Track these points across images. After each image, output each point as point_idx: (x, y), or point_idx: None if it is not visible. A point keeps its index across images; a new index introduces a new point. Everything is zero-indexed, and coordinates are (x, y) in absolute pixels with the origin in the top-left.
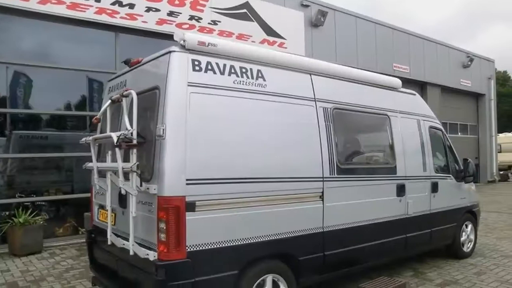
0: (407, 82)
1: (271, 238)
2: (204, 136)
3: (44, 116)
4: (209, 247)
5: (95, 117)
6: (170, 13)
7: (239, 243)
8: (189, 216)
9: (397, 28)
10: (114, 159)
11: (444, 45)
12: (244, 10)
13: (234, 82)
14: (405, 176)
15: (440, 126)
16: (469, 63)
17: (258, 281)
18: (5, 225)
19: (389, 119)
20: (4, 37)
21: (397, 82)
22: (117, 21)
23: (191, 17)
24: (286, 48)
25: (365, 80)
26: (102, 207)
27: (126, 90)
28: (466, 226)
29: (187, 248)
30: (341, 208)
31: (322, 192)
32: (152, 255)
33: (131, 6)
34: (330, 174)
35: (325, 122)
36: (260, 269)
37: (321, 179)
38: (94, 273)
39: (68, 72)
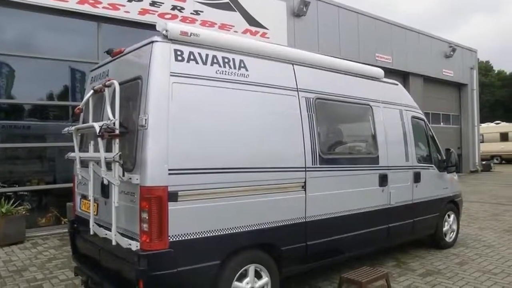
0: (390, 72)
1: (253, 228)
2: (186, 126)
3: (26, 106)
4: (192, 237)
5: (78, 107)
6: (153, 3)
7: (222, 233)
8: (172, 206)
9: (379, 18)
10: (96, 149)
11: (427, 35)
12: (227, 0)
13: (216, 72)
14: (388, 166)
15: (423, 116)
16: (452, 53)
17: (241, 271)
18: None
19: (371, 109)
20: None
21: (380, 72)
22: (99, 11)
23: (174, 7)
24: (268, 38)
25: (347, 70)
26: (84, 197)
27: (108, 80)
28: (449, 216)
29: (169, 238)
30: (324, 198)
31: (305, 182)
32: (134, 245)
33: None
34: (312, 164)
35: (307, 112)
36: (243, 259)
37: (304, 169)
38: (77, 263)
39: (50, 62)
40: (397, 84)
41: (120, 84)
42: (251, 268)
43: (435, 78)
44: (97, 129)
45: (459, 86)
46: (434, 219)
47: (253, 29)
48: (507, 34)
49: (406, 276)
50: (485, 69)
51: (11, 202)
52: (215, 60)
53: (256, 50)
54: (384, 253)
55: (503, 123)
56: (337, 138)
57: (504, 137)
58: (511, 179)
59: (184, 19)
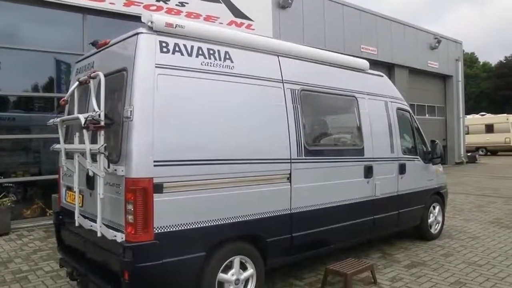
0: (375, 64)
1: (238, 220)
2: (171, 117)
3: (11, 97)
4: (177, 228)
5: (63, 99)
6: None
7: (207, 224)
8: (157, 198)
9: (364, 9)
10: (81, 141)
11: (412, 26)
12: None
13: (201, 64)
14: (373, 158)
15: (408, 108)
16: (437, 44)
17: (226, 262)
18: None
19: (356, 100)
20: None
21: (365, 63)
22: (84, 2)
23: None
24: (253, 29)
25: (332, 62)
26: (69, 188)
27: (93, 72)
28: (434, 207)
29: (154, 229)
30: (309, 189)
31: (290, 174)
32: (119, 237)
33: None
34: (297, 156)
35: (292, 103)
36: (228, 251)
37: (289, 161)
38: (62, 255)
39: (35, 53)
40: (382, 76)
41: (105, 75)
42: (236, 260)
43: (421, 70)
44: (82, 121)
45: (444, 78)
46: (419, 211)
47: (238, 20)
48: (492, 26)
49: (391, 267)
50: (470, 60)
51: None
52: (200, 52)
53: (241, 42)
54: (369, 244)
55: (488, 115)
56: (323, 129)
57: (489, 128)
58: (496, 170)
59: (169, 11)
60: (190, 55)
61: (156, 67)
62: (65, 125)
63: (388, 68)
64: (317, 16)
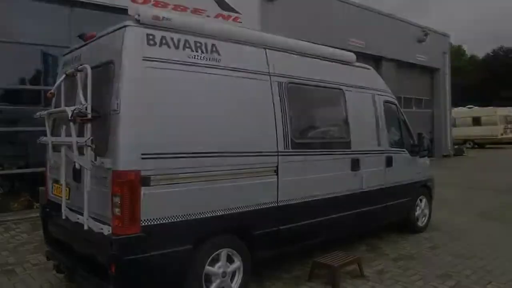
0: (363, 57)
1: (225, 213)
2: (158, 110)
3: None
4: (164, 221)
5: (50, 92)
6: None
7: (194, 217)
8: (144, 191)
9: (352, 2)
10: (68, 134)
11: (400, 19)
12: None
13: (188, 57)
14: (360, 151)
15: (395, 101)
16: (424, 37)
17: (213, 255)
18: None
19: (343, 93)
20: None
21: (352, 56)
22: None
23: None
24: (241, 22)
25: (320, 55)
26: (56, 181)
27: (80, 65)
28: (421, 200)
29: (141, 222)
30: (296, 182)
31: (277, 167)
32: (106, 230)
33: None
34: (285, 149)
35: (280, 96)
36: (215, 244)
37: (276, 154)
38: (49, 248)
39: (22, 46)
40: (369, 69)
41: (92, 68)
42: (223, 253)
43: (408, 63)
44: (69, 114)
45: (431, 71)
46: (407, 204)
47: (226, 13)
48: (480, 19)
49: (379, 260)
50: (457, 53)
51: None
52: (187, 45)
53: (228, 35)
54: (357, 237)
55: (476, 108)
56: (310, 122)
57: (476, 121)
58: (483, 163)
59: (156, 4)
60: (177, 47)
61: (143, 59)
62: (52, 118)
63: (375, 61)
64: (305, 9)
